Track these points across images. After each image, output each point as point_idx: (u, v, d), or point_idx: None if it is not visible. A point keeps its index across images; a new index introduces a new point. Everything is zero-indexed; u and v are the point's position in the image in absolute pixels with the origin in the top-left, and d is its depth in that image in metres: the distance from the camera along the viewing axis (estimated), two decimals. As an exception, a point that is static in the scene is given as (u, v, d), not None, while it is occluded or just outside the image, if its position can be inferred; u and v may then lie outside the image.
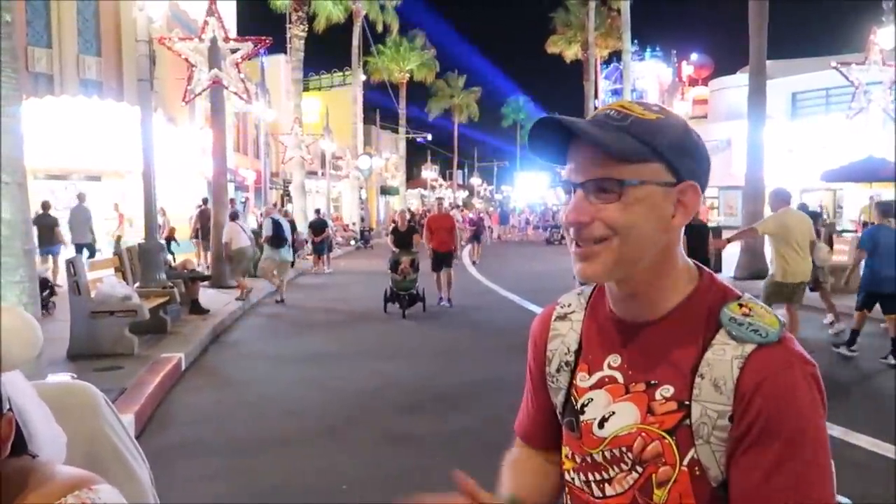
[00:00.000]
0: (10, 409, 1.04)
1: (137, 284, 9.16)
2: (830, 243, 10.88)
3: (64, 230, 14.46)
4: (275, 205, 25.80)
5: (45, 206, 14.02)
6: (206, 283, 11.62)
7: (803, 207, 9.07)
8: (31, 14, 19.27)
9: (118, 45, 21.29)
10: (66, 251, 13.48)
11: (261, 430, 5.49)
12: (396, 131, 47.49)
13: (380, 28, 35.99)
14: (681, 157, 0.98)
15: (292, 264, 18.64)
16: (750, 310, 0.99)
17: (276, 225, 12.81)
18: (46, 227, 13.65)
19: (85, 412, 1.55)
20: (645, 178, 0.96)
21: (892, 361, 7.37)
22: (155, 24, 11.89)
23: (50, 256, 13.51)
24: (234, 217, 12.89)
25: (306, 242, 21.13)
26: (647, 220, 0.97)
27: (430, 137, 52.24)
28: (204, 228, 17.30)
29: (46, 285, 9.97)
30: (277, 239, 12.77)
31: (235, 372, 7.60)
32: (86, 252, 14.12)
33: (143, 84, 10.77)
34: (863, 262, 7.71)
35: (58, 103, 18.19)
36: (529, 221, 40.71)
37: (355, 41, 34.49)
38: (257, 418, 5.82)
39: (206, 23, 15.07)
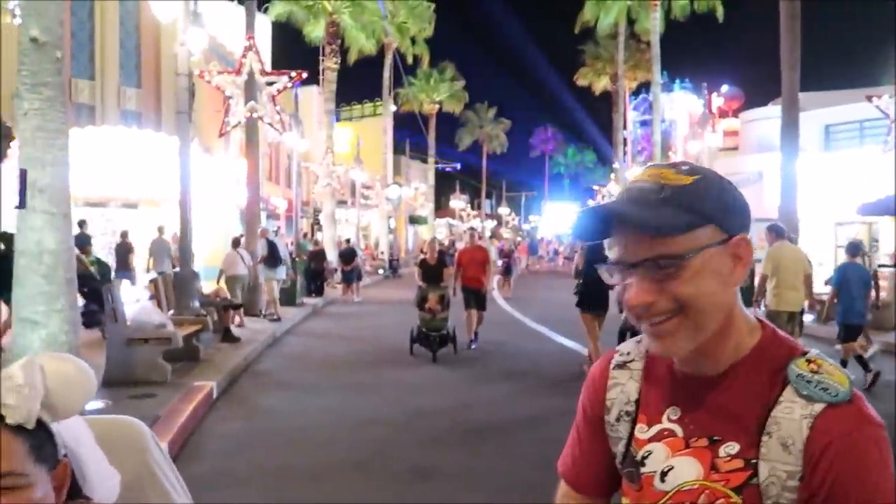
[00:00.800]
0: (66, 455, 1.07)
1: (172, 312, 9.30)
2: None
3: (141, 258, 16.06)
4: (306, 235, 26.07)
5: (124, 234, 15.88)
6: (240, 309, 11.77)
7: (791, 241, 9.51)
8: (75, 47, 19.94)
9: (158, 77, 21.88)
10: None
11: (291, 462, 5.50)
12: (426, 161, 47.88)
13: (410, 60, 36.50)
14: (728, 214, 0.99)
15: (319, 292, 18.84)
16: (819, 366, 0.97)
17: (272, 246, 13.66)
18: (124, 254, 15.40)
19: (133, 449, 1.57)
20: (700, 245, 0.96)
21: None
22: (193, 57, 12.22)
23: (127, 281, 14.22)
24: (235, 244, 13.33)
25: (335, 271, 21.29)
26: (710, 285, 0.97)
27: (459, 167, 52.60)
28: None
29: None
30: (273, 259, 13.68)
31: (266, 402, 7.65)
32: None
33: (182, 116, 11.05)
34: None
35: (98, 133, 18.70)
36: (559, 252, 40.55)
37: (386, 73, 35.03)
38: (287, 450, 5.84)
39: (244, 56, 15.46)
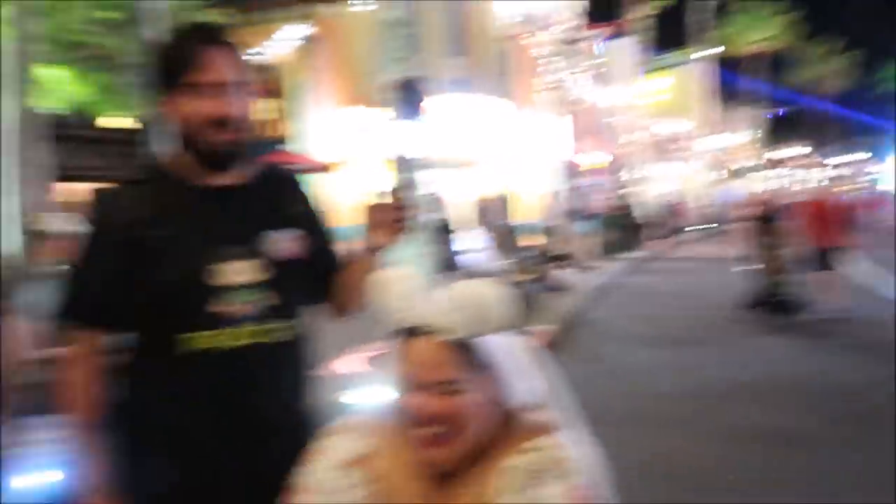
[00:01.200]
0: (493, 366, 1.20)
1: (506, 261, 10.01)
2: None
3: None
4: (621, 189, 25.83)
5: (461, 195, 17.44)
6: (564, 262, 12.25)
7: None
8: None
9: (477, 44, 23.26)
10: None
11: (630, 408, 5.62)
12: (753, 106, 43.69)
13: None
14: None
15: (636, 247, 18.64)
16: None
17: (578, 200, 15.47)
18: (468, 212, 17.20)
19: (539, 366, 1.69)
20: None
21: None
22: (508, 21, 12.74)
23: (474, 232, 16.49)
24: (552, 198, 14.22)
25: (653, 226, 20.87)
26: None
27: (792, 111, 47.26)
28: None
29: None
30: (580, 213, 15.12)
31: (601, 349, 7.91)
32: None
33: (502, 78, 11.65)
34: None
35: (429, 102, 20.55)
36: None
37: (701, 13, 32.73)
38: (627, 397, 5.96)
39: (557, 16, 15.68)
